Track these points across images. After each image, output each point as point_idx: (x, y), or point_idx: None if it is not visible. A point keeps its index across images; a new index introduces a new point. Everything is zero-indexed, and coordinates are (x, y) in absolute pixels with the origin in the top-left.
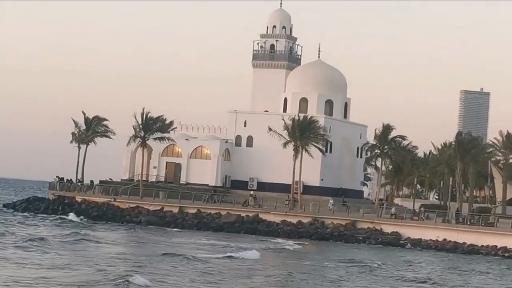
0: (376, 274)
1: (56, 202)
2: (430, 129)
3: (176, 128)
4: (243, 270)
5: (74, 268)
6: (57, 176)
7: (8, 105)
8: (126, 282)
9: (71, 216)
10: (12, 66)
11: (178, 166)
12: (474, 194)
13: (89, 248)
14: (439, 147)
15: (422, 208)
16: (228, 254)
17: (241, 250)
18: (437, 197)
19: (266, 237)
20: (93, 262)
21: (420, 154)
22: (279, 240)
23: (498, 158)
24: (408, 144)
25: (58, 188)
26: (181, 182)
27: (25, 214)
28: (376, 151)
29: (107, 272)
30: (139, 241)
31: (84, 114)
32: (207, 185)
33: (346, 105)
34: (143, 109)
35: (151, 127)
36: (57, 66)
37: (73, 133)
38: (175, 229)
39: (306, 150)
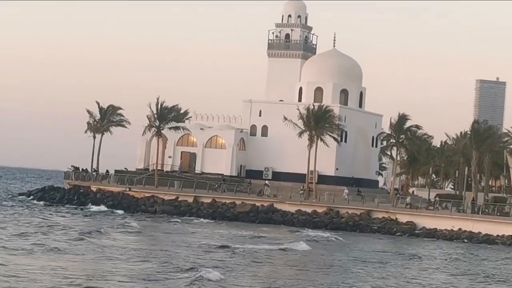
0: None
1: (71, 191)
2: (445, 118)
3: (191, 117)
4: (307, 262)
5: (143, 260)
6: (72, 166)
7: (24, 95)
8: (200, 277)
9: (95, 207)
10: (28, 56)
11: (193, 156)
12: (490, 183)
13: (145, 239)
14: (455, 136)
15: (437, 198)
16: (280, 246)
17: (288, 242)
18: (452, 186)
19: (296, 228)
20: (156, 255)
21: (436, 143)
22: (310, 231)
23: None
24: (423, 134)
25: (73, 178)
26: (196, 171)
27: (40, 203)
28: (391, 140)
29: (173, 265)
30: (179, 231)
31: (99, 103)
32: (222, 174)
33: (361, 94)
34: (158, 99)
35: (166, 116)
36: (72, 55)
37: (88, 123)
38: (203, 219)
39: (321, 139)
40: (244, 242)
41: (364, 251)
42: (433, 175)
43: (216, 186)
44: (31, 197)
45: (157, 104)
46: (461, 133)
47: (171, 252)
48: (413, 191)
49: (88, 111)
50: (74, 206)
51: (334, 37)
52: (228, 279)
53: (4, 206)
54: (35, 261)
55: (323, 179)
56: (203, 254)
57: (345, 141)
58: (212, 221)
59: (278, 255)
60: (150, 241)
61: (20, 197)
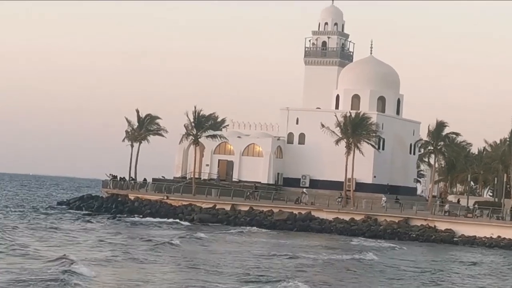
0: None
1: (109, 200)
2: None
3: (228, 125)
4: (390, 271)
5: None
6: (110, 174)
7: (65, 104)
8: None
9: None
10: (67, 66)
11: (230, 164)
12: None
13: (218, 250)
14: (493, 143)
15: (476, 205)
16: (351, 255)
17: (352, 252)
18: (491, 194)
19: (344, 236)
20: (236, 266)
21: (474, 150)
22: (360, 240)
23: None
24: (462, 141)
25: (111, 186)
26: (233, 179)
27: (78, 212)
28: (429, 147)
29: (258, 276)
30: (235, 241)
31: (138, 112)
32: (259, 182)
33: (398, 101)
34: (195, 107)
35: (203, 125)
36: (110, 65)
37: (126, 131)
38: (251, 228)
39: (358, 147)
40: (306, 251)
41: (428, 260)
42: (472, 182)
43: (248, 193)
44: (70, 205)
45: (194, 113)
46: (500, 140)
47: (245, 261)
48: (458, 200)
49: (127, 120)
50: (111, 215)
51: (371, 44)
52: None
53: (47, 215)
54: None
55: (360, 187)
56: (277, 263)
57: (383, 148)
58: (264, 229)
59: (358, 264)
60: (222, 253)
61: (58, 206)
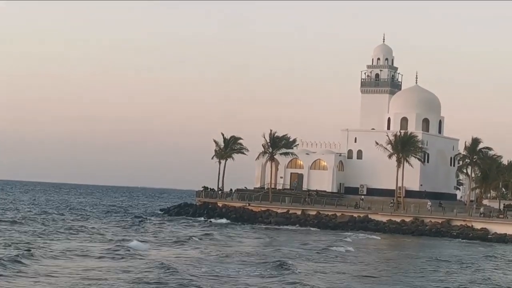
0: None
1: (202, 207)
2: None
3: (298, 144)
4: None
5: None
6: (203, 186)
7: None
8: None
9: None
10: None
11: (300, 176)
12: None
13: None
14: None
15: (505, 208)
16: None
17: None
18: None
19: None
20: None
21: (505, 161)
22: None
23: None
24: (493, 154)
25: (203, 196)
26: (303, 189)
27: (177, 217)
28: (466, 160)
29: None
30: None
31: (223, 134)
32: (324, 191)
33: (440, 122)
34: (271, 130)
35: (278, 144)
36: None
37: (215, 150)
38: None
39: (407, 160)
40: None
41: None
42: (503, 189)
43: (303, 199)
44: (170, 212)
45: (270, 135)
46: None
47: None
48: (502, 208)
49: (215, 141)
50: (204, 219)
51: (416, 75)
52: None
53: (154, 220)
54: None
55: (409, 194)
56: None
57: (428, 161)
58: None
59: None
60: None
61: (160, 212)
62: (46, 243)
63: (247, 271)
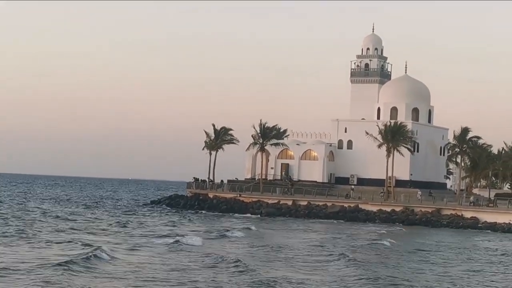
0: None
1: (193, 198)
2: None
3: (288, 135)
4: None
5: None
6: (194, 177)
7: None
8: None
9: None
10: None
11: (288, 166)
12: None
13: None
14: (510, 144)
15: (495, 197)
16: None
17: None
18: (509, 186)
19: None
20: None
21: (494, 150)
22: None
23: None
24: (483, 143)
25: (194, 187)
26: (294, 179)
27: (168, 208)
28: (456, 149)
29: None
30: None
31: (214, 126)
32: (315, 181)
33: (429, 111)
34: (261, 121)
35: (268, 135)
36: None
37: (205, 142)
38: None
39: (397, 150)
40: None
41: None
42: (493, 177)
43: (286, 189)
44: (161, 203)
45: (260, 125)
46: None
47: None
48: (492, 197)
49: (205, 132)
50: (194, 211)
51: (406, 65)
52: None
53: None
54: None
55: (399, 183)
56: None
57: (417, 151)
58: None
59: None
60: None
61: (152, 203)
62: (109, 241)
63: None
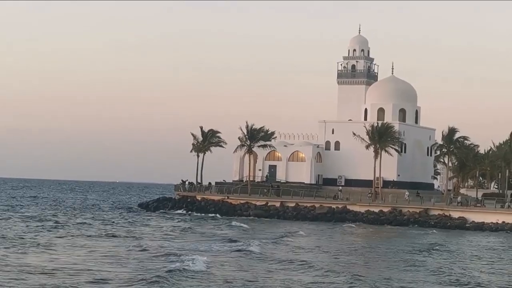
0: None
1: (181, 201)
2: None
3: (276, 137)
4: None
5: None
6: (181, 180)
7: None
8: None
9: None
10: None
11: (274, 168)
12: None
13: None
14: (498, 144)
15: (483, 197)
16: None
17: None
18: (496, 186)
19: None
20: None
21: (481, 150)
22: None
23: None
24: (470, 143)
25: (182, 189)
26: (281, 181)
27: (156, 211)
28: (443, 150)
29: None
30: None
31: (202, 128)
32: (303, 183)
33: (416, 112)
34: (247, 122)
35: (255, 137)
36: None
37: (193, 144)
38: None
39: (384, 151)
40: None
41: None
42: (480, 177)
43: (266, 191)
44: (148, 206)
45: (247, 127)
46: (503, 141)
47: None
48: (480, 197)
49: (193, 135)
50: (183, 213)
51: (392, 66)
52: None
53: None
54: None
55: (387, 184)
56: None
57: (405, 151)
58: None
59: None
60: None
61: (139, 207)
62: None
63: None
